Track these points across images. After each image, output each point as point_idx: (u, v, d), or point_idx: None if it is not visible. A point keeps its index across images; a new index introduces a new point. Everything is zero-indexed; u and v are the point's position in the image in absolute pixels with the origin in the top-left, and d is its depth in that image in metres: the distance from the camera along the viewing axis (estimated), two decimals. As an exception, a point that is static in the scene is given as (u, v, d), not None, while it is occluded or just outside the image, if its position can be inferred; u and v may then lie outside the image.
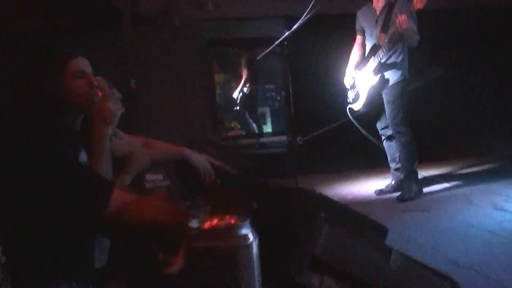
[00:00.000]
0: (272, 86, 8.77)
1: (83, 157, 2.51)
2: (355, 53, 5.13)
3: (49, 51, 2.40)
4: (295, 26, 4.70)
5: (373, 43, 4.93)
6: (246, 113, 8.67)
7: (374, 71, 4.85)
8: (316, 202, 3.36)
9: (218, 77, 8.58)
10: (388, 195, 4.94)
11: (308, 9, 4.55)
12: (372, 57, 4.88)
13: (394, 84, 4.82)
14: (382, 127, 5.07)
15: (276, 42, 4.87)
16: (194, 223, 1.11)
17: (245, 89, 8.52)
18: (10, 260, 1.52)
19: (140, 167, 2.82)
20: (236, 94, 8.61)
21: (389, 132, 5.01)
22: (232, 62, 8.64)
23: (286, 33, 4.75)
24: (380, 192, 5.03)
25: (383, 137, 5.10)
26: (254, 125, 8.53)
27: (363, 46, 5.09)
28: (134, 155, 2.85)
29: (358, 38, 5.14)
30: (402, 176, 4.83)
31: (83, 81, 2.37)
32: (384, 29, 4.83)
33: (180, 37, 6.27)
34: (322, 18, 5.16)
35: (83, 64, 2.39)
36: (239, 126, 8.77)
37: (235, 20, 6.57)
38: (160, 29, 6.15)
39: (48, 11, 5.63)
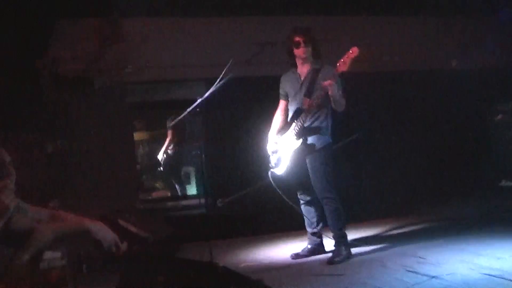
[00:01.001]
0: (196, 146, 8.76)
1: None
2: (278, 118, 5.12)
3: None
4: (208, 93, 4.72)
5: (296, 107, 4.93)
6: (170, 175, 8.62)
7: (296, 134, 4.84)
8: (219, 278, 3.34)
9: (142, 135, 8.54)
10: (305, 259, 4.95)
11: (221, 76, 4.59)
12: (295, 120, 4.88)
13: (318, 150, 4.83)
14: (301, 192, 5.07)
15: (188, 110, 4.86)
16: None
17: (169, 150, 8.48)
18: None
19: (40, 244, 2.72)
20: (160, 156, 8.55)
21: (308, 197, 5.03)
22: (157, 120, 8.62)
23: (199, 100, 4.76)
24: (296, 256, 5.03)
25: (301, 201, 5.10)
26: (177, 186, 8.46)
27: (286, 111, 5.09)
28: (36, 232, 2.76)
29: (281, 103, 5.14)
30: (332, 238, 4.85)
31: None
32: (309, 93, 4.85)
33: (103, 99, 6.22)
34: (241, 81, 5.22)
35: None
36: (162, 187, 8.70)
37: (156, 83, 6.59)
38: (83, 91, 6.09)
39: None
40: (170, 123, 8.15)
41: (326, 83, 4.61)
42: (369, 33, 6.94)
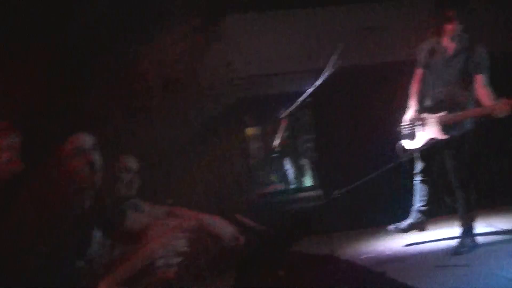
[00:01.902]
0: (309, 138, 8.68)
1: (96, 234, 2.46)
2: (416, 89, 4.82)
3: (47, 129, 2.40)
4: (317, 82, 4.64)
5: (441, 86, 4.64)
6: (286, 166, 8.60)
7: (444, 128, 4.56)
8: (341, 273, 3.26)
9: (254, 130, 8.54)
10: (424, 249, 4.82)
11: (329, 65, 4.50)
12: (438, 112, 4.59)
13: (463, 137, 4.56)
14: (421, 169, 4.88)
15: (300, 99, 4.81)
16: None
17: (282, 143, 8.44)
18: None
19: (159, 240, 2.75)
20: (273, 149, 8.53)
21: (427, 177, 4.83)
22: (266, 117, 8.60)
23: (310, 90, 4.70)
24: (396, 228, 4.90)
25: (419, 178, 4.89)
26: (292, 179, 8.43)
27: (424, 81, 4.79)
28: (154, 228, 2.79)
29: (419, 72, 4.83)
30: (459, 227, 4.65)
31: (81, 159, 2.33)
32: (454, 81, 4.57)
33: (210, 96, 6.28)
34: (352, 70, 5.11)
35: (82, 140, 2.35)
36: (277, 180, 8.69)
37: (265, 77, 6.57)
38: (188, 90, 6.17)
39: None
40: (281, 116, 8.13)
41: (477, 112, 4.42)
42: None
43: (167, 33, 5.21)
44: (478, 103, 4.46)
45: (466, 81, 4.53)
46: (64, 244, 2.23)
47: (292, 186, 8.27)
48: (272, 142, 8.67)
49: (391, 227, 4.96)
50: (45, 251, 2.13)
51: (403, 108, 4.88)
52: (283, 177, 8.58)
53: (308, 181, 8.40)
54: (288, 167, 8.47)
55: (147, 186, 3.78)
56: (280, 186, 8.47)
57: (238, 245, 3.23)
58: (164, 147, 5.68)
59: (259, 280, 3.86)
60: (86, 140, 2.39)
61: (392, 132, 4.87)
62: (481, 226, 5.10)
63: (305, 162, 8.68)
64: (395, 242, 5.21)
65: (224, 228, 3.18)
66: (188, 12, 5.24)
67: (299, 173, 8.53)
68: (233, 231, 3.19)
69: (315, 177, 8.24)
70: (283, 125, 8.35)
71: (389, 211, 6.01)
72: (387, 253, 4.92)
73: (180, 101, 6.15)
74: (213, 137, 6.32)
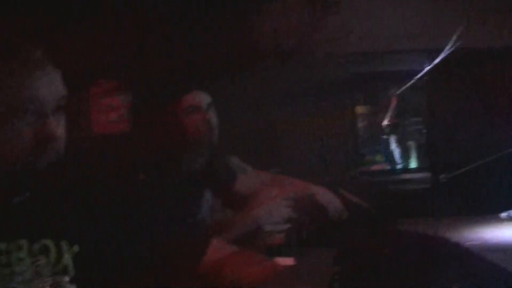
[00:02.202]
0: (418, 119, 8.52)
1: (208, 196, 2.51)
2: None
3: (164, 87, 2.43)
4: (436, 61, 4.54)
5: None
6: (393, 146, 8.50)
7: None
8: (448, 253, 3.18)
9: (362, 109, 8.47)
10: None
11: (449, 44, 4.39)
12: None
13: None
14: None
15: (416, 77, 4.73)
16: None
17: (390, 123, 8.35)
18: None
19: (265, 206, 2.78)
20: (381, 129, 8.44)
21: None
22: (377, 94, 8.50)
23: (426, 68, 4.61)
24: (509, 215, 4.73)
25: None
26: (398, 160, 8.31)
27: None
28: (261, 194, 2.82)
29: None
30: None
31: (197, 116, 2.35)
32: None
33: (321, 71, 6.26)
34: (468, 52, 4.95)
35: (198, 98, 2.37)
36: (382, 160, 8.59)
37: (378, 54, 6.48)
38: (299, 63, 6.17)
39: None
40: (391, 95, 8.02)
41: None
42: None
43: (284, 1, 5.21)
44: None
45: None
46: (176, 203, 2.29)
47: (398, 167, 8.18)
48: (381, 121, 8.61)
49: (504, 214, 4.81)
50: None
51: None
52: (389, 157, 8.48)
53: (414, 163, 8.28)
54: (395, 147, 8.37)
55: (254, 153, 3.82)
56: (385, 166, 8.39)
57: (342, 218, 3.23)
58: (271, 116, 5.72)
59: (363, 255, 3.84)
60: (203, 98, 2.42)
61: (509, 119, 4.73)
62: None
63: (412, 143, 8.54)
64: (506, 231, 5.05)
65: (330, 199, 3.19)
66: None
67: (406, 154, 8.41)
68: (339, 204, 3.20)
69: (422, 159, 8.11)
70: (393, 104, 8.28)
71: (501, 198, 5.85)
72: (496, 241, 4.78)
73: (292, 72, 6.18)
74: (322, 110, 6.31)
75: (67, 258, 1.41)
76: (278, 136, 5.68)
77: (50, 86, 1.35)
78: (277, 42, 5.77)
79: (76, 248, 1.43)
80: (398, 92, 5.08)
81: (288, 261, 2.44)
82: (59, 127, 1.38)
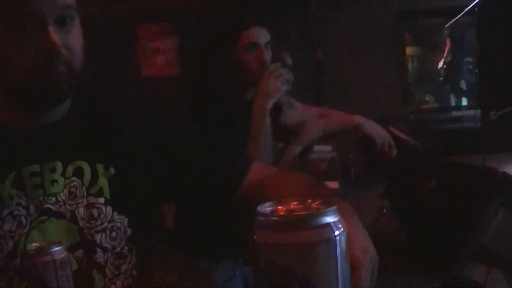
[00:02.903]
0: (469, 59, 8.39)
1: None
2: None
3: (222, 23, 2.42)
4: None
5: None
6: (443, 85, 8.43)
7: None
8: (496, 183, 3.15)
9: (412, 50, 8.37)
10: None
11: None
12: None
13: None
14: None
15: (466, 10, 4.64)
16: (265, 208, 0.88)
17: (442, 63, 8.27)
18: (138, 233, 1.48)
19: (311, 137, 2.81)
20: (440, 65, 8.38)
21: None
22: (428, 33, 8.37)
23: (474, 7, 4.51)
24: None
25: None
26: (449, 98, 8.26)
27: None
28: (306, 126, 2.85)
29: None
30: None
31: (254, 54, 2.34)
32: None
33: (369, 8, 6.19)
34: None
35: (256, 35, 2.36)
36: (432, 100, 8.52)
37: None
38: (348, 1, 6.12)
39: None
40: (443, 35, 7.91)
41: None
42: None
43: None
44: None
45: None
46: (227, 136, 2.31)
47: (448, 105, 8.11)
48: (431, 62, 8.51)
49: None
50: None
51: None
52: (439, 96, 8.41)
53: (464, 101, 8.20)
54: (446, 87, 8.29)
55: (302, 89, 3.83)
56: (435, 105, 8.32)
57: (390, 152, 3.24)
58: (322, 55, 5.70)
59: (410, 189, 3.86)
60: (261, 35, 2.40)
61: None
62: None
63: (463, 83, 8.43)
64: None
65: (379, 132, 3.18)
66: None
67: (456, 93, 8.33)
68: (388, 136, 3.20)
69: (472, 98, 8.01)
70: (444, 45, 8.16)
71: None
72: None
73: (340, 14, 6.13)
74: (370, 48, 6.26)
75: (102, 181, 1.39)
76: (327, 74, 5.67)
77: None
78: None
79: (112, 170, 1.40)
80: (448, 31, 4.96)
81: (333, 184, 2.49)
82: (65, 37, 1.31)
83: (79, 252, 1.35)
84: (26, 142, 1.38)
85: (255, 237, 0.84)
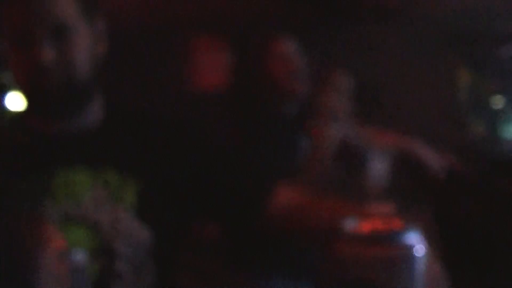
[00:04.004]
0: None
1: (301, 141, 2.49)
2: None
3: (252, 33, 2.43)
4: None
5: None
6: (496, 111, 8.30)
7: None
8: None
9: (465, 72, 8.26)
10: None
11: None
12: None
13: None
14: None
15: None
16: (349, 224, 0.91)
17: (496, 89, 8.14)
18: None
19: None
20: (486, 89, 8.26)
21: None
22: (483, 55, 8.24)
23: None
24: None
25: None
26: (500, 123, 8.13)
27: None
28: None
29: None
30: None
31: (286, 64, 2.34)
32: None
33: (424, 30, 6.12)
34: None
35: (286, 46, 2.35)
36: (484, 126, 8.40)
37: (482, 12, 6.26)
38: (403, 21, 6.05)
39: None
40: (498, 57, 7.76)
41: None
42: None
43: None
44: None
45: None
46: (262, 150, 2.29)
47: (498, 133, 7.98)
48: (484, 86, 8.36)
49: None
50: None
51: None
52: (490, 122, 8.28)
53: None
54: (498, 114, 8.14)
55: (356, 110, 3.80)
56: (487, 132, 8.19)
57: (442, 177, 3.20)
58: (379, 70, 5.66)
59: (459, 216, 3.81)
60: (289, 45, 2.40)
61: None
62: None
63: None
64: None
65: (432, 156, 3.15)
66: None
67: (507, 120, 8.18)
68: (440, 162, 3.16)
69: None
70: (498, 67, 8.01)
71: None
72: None
73: (394, 31, 6.07)
74: (425, 70, 6.18)
75: (129, 192, 1.43)
76: (382, 90, 5.60)
77: (38, 13, 1.33)
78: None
79: (140, 183, 1.44)
80: (505, 55, 4.85)
81: (384, 208, 2.41)
82: (62, 49, 1.36)
83: (100, 260, 1.38)
84: (58, 148, 1.43)
85: (337, 251, 0.86)
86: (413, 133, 5.63)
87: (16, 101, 5.15)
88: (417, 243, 0.87)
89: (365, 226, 0.89)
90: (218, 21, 5.73)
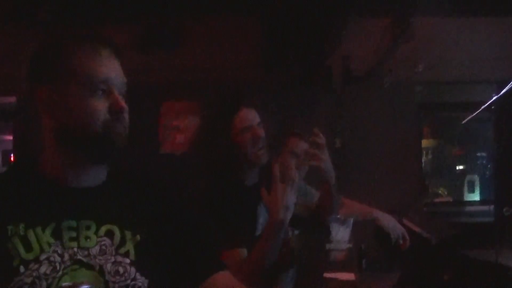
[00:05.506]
0: (483, 154, 8.44)
1: (262, 211, 2.53)
2: None
3: (218, 105, 2.48)
4: (503, 91, 4.51)
5: None
6: (458, 178, 8.44)
7: None
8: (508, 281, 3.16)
9: (428, 142, 8.42)
10: None
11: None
12: None
13: None
14: None
15: (483, 107, 4.70)
16: None
17: (457, 154, 8.32)
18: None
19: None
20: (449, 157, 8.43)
21: None
22: (444, 126, 8.45)
23: (494, 98, 4.58)
24: None
25: None
26: (462, 193, 8.24)
27: None
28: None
29: None
30: None
31: (249, 135, 2.38)
32: None
33: (389, 98, 6.27)
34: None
35: (248, 116, 2.40)
36: (446, 193, 8.51)
37: (446, 84, 6.46)
38: (369, 89, 6.20)
39: (269, 63, 5.93)
40: (458, 127, 7.98)
41: None
42: None
43: (354, 29, 5.26)
44: None
45: None
46: (230, 218, 2.32)
47: (461, 199, 8.08)
48: (447, 154, 8.54)
49: None
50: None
51: None
52: (453, 190, 8.39)
53: (477, 196, 8.16)
54: (460, 180, 8.28)
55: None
56: (449, 198, 8.30)
57: (405, 245, 3.25)
58: (341, 144, 5.77)
59: (423, 282, 3.84)
60: (253, 116, 2.44)
61: None
62: None
63: (476, 177, 8.43)
64: None
65: (395, 226, 3.20)
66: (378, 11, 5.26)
67: (470, 187, 8.30)
68: (403, 231, 3.21)
69: (485, 192, 7.99)
70: (459, 137, 8.20)
71: None
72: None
73: (359, 98, 6.22)
74: (388, 138, 6.31)
75: (129, 244, 1.58)
76: (345, 163, 5.70)
77: (116, 73, 1.58)
78: (349, 67, 5.84)
79: (138, 237, 1.60)
80: (464, 125, 5.03)
81: (349, 276, 2.48)
82: (123, 102, 1.58)
83: None
84: (69, 199, 1.58)
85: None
86: (376, 197, 5.75)
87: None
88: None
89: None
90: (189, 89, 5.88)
